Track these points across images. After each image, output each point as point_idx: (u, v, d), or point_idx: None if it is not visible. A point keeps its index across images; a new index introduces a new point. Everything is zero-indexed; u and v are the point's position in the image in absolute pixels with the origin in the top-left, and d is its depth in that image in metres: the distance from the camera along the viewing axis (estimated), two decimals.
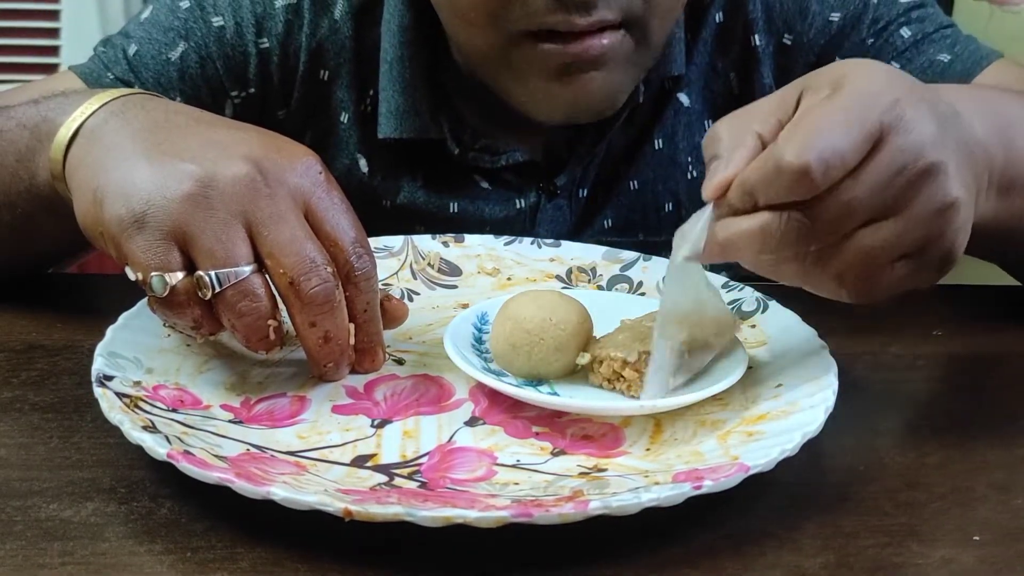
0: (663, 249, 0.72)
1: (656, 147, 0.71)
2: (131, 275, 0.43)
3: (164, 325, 0.46)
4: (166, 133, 0.46)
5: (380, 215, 0.70)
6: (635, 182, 0.72)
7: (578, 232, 0.71)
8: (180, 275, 0.42)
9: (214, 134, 0.47)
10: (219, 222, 0.42)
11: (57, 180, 0.49)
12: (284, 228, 0.43)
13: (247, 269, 0.43)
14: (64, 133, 0.49)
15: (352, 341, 0.47)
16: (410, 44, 0.67)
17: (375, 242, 0.61)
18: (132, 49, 0.67)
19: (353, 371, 0.48)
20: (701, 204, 0.79)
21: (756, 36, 0.70)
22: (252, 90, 0.69)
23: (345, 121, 0.70)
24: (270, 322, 0.44)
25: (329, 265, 0.44)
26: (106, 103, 0.49)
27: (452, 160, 0.69)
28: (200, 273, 0.42)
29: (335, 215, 0.45)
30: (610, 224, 0.72)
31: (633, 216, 0.72)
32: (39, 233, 0.57)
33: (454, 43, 0.66)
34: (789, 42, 0.70)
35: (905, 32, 0.69)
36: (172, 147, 0.45)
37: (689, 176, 0.72)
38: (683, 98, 0.71)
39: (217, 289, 0.42)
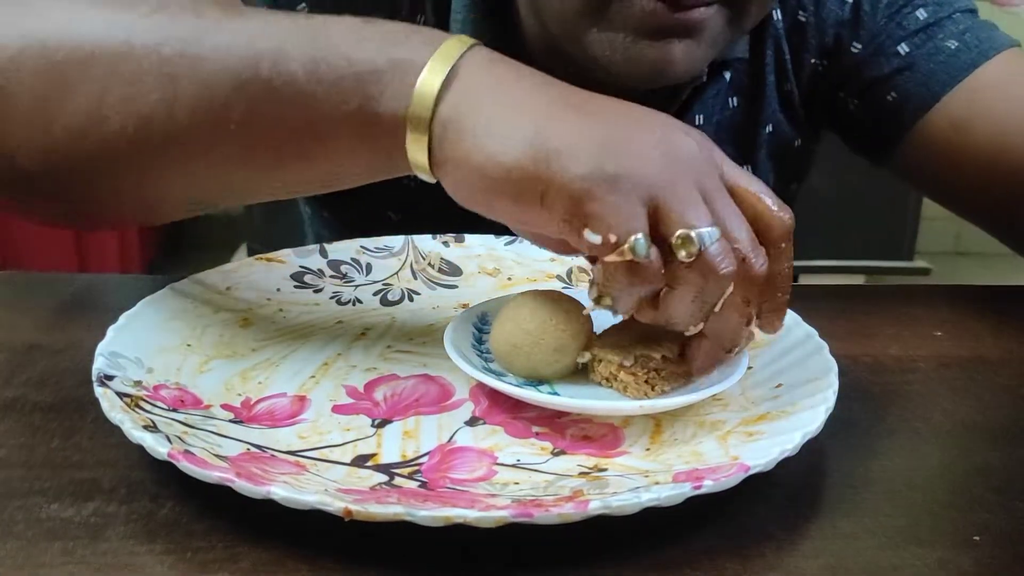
0: None
1: (696, 124, 0.71)
2: (594, 238, 0.40)
3: (597, 300, 0.43)
4: (572, 94, 0.44)
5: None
6: None
7: None
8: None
9: (617, 104, 0.44)
10: (687, 190, 0.41)
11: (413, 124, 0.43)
12: (729, 204, 0.42)
13: (717, 231, 0.41)
14: (431, 80, 0.43)
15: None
16: (477, 7, 0.65)
17: (374, 242, 0.61)
18: None
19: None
20: None
21: (775, 12, 0.69)
22: None
23: None
24: (728, 291, 0.42)
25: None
26: (465, 52, 0.44)
27: None
28: (684, 232, 0.40)
29: (749, 185, 0.43)
30: None
31: None
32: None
33: (534, 7, 0.62)
34: (804, 19, 0.70)
35: (921, 13, 0.68)
36: (600, 110, 0.43)
37: None
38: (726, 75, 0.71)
39: (705, 246, 0.40)
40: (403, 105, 0.43)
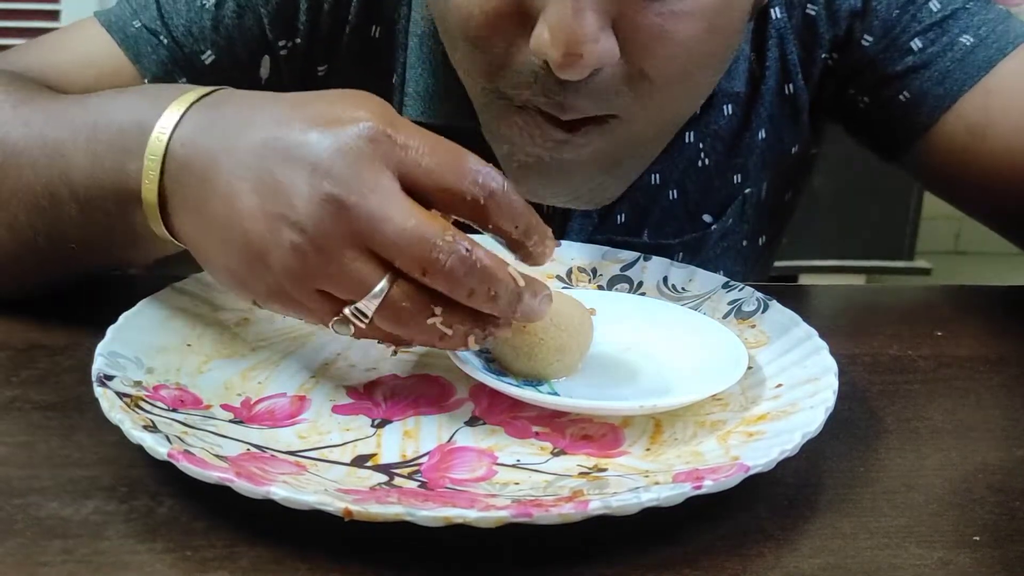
0: (672, 252, 0.71)
1: (687, 141, 0.68)
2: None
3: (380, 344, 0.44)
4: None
5: None
6: (656, 176, 0.69)
7: (595, 230, 0.69)
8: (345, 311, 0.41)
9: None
10: (332, 261, 0.40)
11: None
12: (387, 225, 0.39)
13: (382, 285, 0.40)
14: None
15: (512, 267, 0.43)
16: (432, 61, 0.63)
17: None
18: None
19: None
20: (706, 194, 0.76)
21: (776, 9, 0.66)
22: (299, 40, 0.65)
23: (396, 83, 0.66)
24: (430, 320, 0.41)
25: (447, 231, 0.40)
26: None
27: (484, 151, 0.66)
28: (344, 312, 0.41)
29: (424, 159, 0.40)
30: (623, 219, 0.70)
31: (648, 210, 0.70)
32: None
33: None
34: (813, 13, 0.66)
35: (935, 4, 0.65)
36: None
37: (700, 163, 0.70)
38: None
39: (368, 319, 0.41)
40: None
